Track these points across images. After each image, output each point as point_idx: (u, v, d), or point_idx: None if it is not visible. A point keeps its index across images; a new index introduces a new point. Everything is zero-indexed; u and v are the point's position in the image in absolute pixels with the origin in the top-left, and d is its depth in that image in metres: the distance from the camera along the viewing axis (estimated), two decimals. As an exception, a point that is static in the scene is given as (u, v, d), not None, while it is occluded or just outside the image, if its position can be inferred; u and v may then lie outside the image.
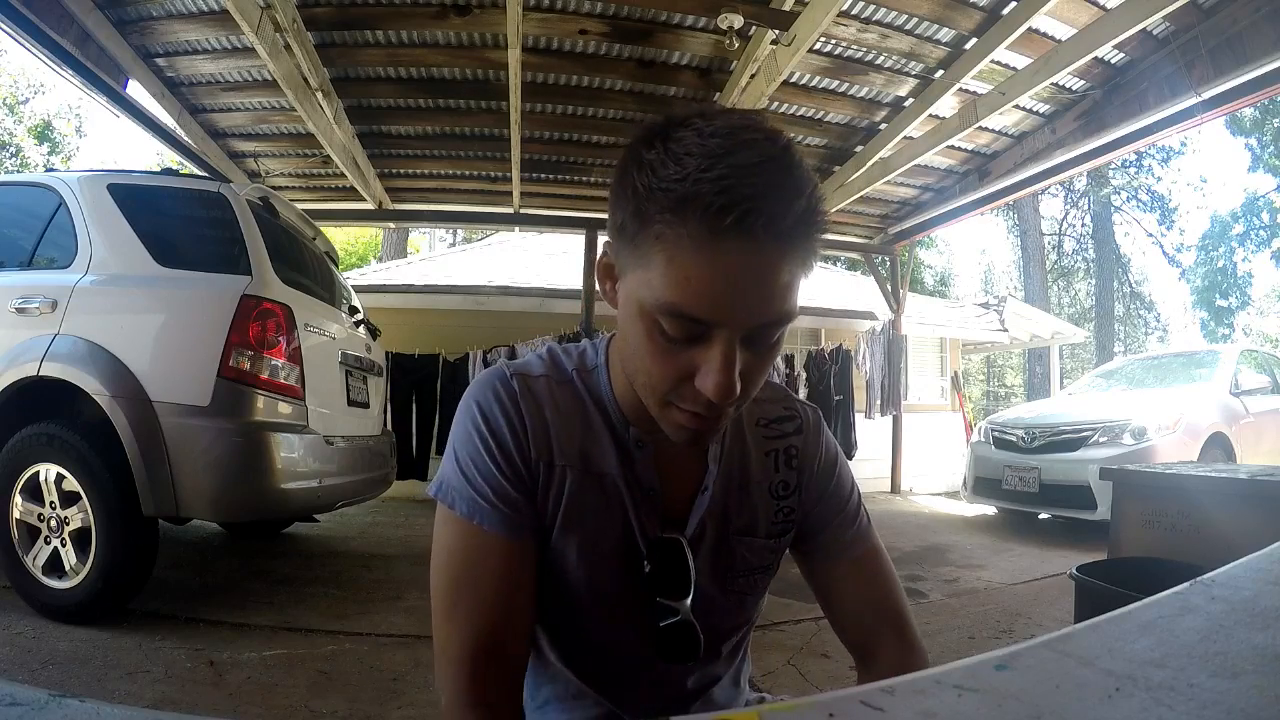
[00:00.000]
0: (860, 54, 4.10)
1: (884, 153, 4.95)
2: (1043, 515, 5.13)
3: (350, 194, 5.83)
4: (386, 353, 4.28)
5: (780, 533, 0.72)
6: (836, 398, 6.49)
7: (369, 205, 5.94)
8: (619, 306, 0.58)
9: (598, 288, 0.62)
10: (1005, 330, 9.21)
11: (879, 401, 6.88)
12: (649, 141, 0.51)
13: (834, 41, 3.93)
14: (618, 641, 0.68)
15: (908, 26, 3.84)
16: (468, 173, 5.70)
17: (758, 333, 0.52)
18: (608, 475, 0.65)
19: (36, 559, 2.41)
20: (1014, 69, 4.07)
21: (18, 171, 15.18)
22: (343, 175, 5.29)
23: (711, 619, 0.68)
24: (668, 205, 0.48)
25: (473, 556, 0.59)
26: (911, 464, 7.33)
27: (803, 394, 6.42)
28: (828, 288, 9.40)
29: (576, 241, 6.62)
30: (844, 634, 0.75)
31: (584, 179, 5.66)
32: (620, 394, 0.65)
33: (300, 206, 3.58)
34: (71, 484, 2.37)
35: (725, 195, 0.46)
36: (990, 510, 5.66)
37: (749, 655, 0.81)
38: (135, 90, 4.27)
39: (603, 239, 0.62)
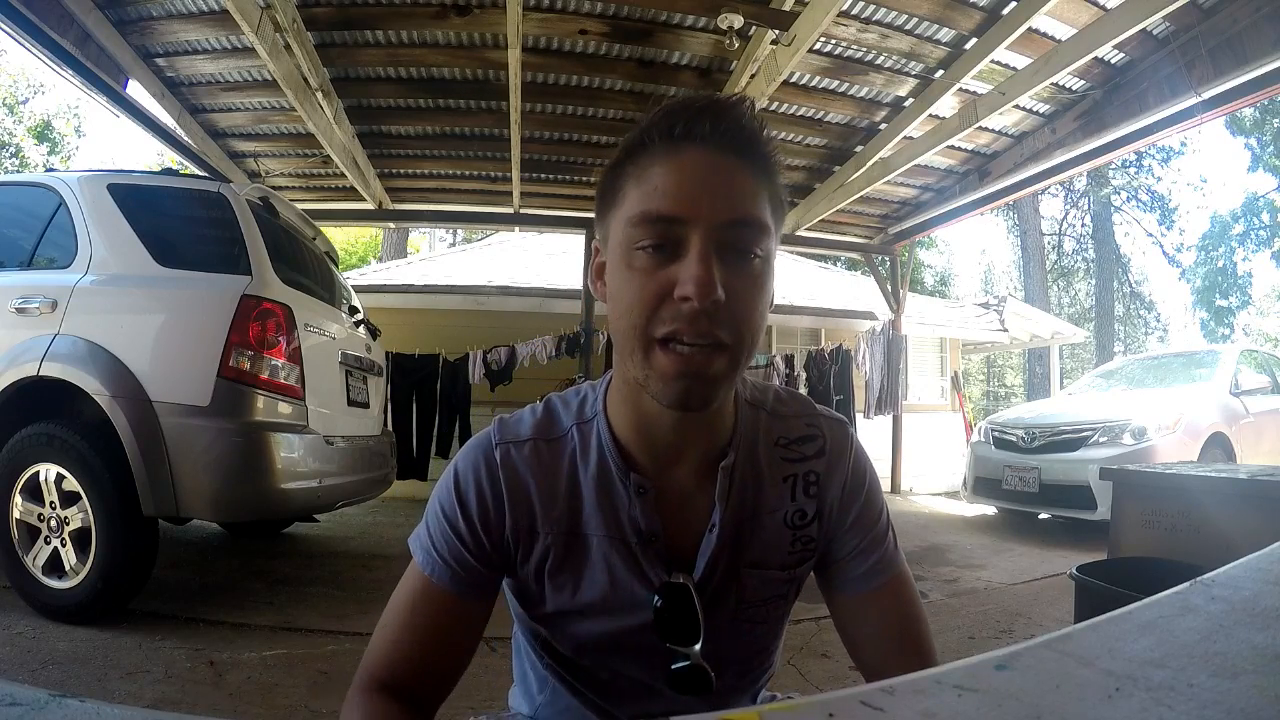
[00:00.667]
0: (860, 54, 4.10)
1: (884, 153, 4.95)
2: (1043, 515, 5.13)
3: (350, 194, 5.83)
4: (386, 353, 4.28)
5: (797, 562, 0.69)
6: (837, 398, 6.49)
7: (369, 205, 5.94)
8: (607, 287, 0.60)
9: (591, 289, 0.64)
10: (1005, 330, 9.21)
11: (876, 401, 6.88)
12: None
13: (834, 41, 3.93)
14: (625, 680, 0.69)
15: (908, 26, 3.84)
16: (468, 173, 5.70)
17: (730, 236, 0.54)
18: (595, 535, 0.64)
19: (36, 559, 2.41)
20: (1014, 69, 4.07)
21: (18, 171, 15.18)
22: (343, 175, 5.29)
23: (726, 651, 0.67)
24: (632, 150, 0.57)
25: (418, 602, 0.65)
26: (911, 464, 7.32)
27: (802, 393, 6.42)
28: (828, 288, 9.40)
29: (576, 241, 6.62)
30: (861, 661, 0.71)
31: (584, 179, 5.66)
32: (622, 437, 0.65)
33: (300, 206, 3.59)
34: (71, 484, 2.37)
35: (673, 115, 0.55)
36: (990, 510, 5.66)
37: (773, 670, 0.79)
38: (135, 90, 4.27)
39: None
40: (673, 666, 0.63)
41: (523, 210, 6.17)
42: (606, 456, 0.64)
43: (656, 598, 0.63)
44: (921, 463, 7.63)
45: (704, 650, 0.63)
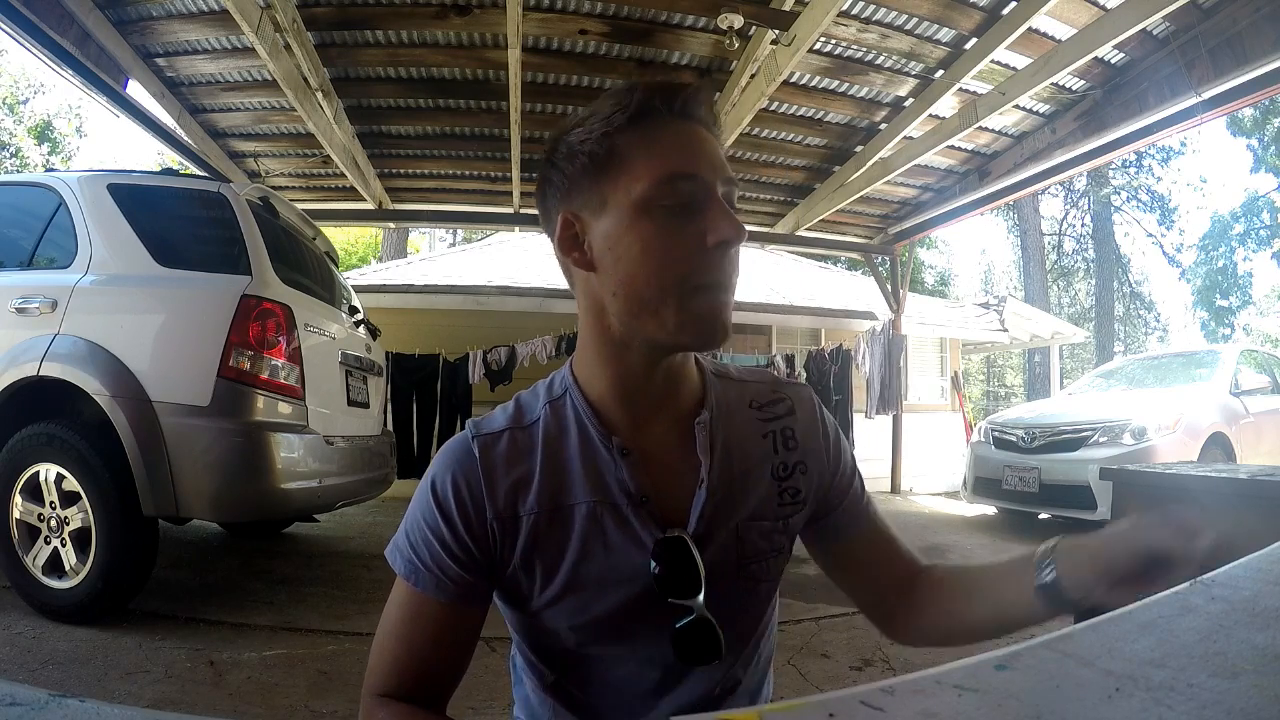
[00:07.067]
0: (860, 54, 4.10)
1: (884, 153, 4.95)
2: (1043, 515, 5.12)
3: (350, 194, 5.83)
4: (386, 353, 4.28)
5: (788, 514, 0.70)
6: (836, 398, 6.49)
7: (369, 205, 5.94)
8: (596, 254, 0.62)
9: (563, 264, 0.67)
10: (1005, 330, 9.21)
11: (877, 401, 6.88)
12: (553, 140, 0.67)
13: (834, 41, 3.93)
14: (631, 667, 0.67)
15: (908, 26, 3.84)
16: (468, 173, 5.70)
17: (729, 193, 0.63)
18: (582, 503, 0.64)
19: (36, 559, 2.41)
20: (1014, 69, 4.07)
21: (18, 171, 15.18)
22: (343, 175, 5.29)
23: (728, 611, 0.66)
24: (625, 121, 0.61)
25: (408, 614, 0.65)
26: (911, 464, 7.32)
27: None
28: (828, 288, 9.40)
29: (576, 241, 6.60)
30: (863, 600, 0.78)
31: (584, 179, 5.65)
32: (598, 403, 0.66)
33: (300, 206, 3.59)
34: (71, 484, 2.37)
35: (669, 92, 0.62)
36: (990, 510, 5.66)
37: (771, 674, 0.79)
38: (135, 90, 4.27)
39: (547, 228, 0.69)
40: (678, 625, 0.63)
41: (523, 210, 6.16)
42: (586, 424, 0.66)
43: (654, 556, 0.63)
44: (921, 463, 7.63)
45: (708, 609, 0.63)
